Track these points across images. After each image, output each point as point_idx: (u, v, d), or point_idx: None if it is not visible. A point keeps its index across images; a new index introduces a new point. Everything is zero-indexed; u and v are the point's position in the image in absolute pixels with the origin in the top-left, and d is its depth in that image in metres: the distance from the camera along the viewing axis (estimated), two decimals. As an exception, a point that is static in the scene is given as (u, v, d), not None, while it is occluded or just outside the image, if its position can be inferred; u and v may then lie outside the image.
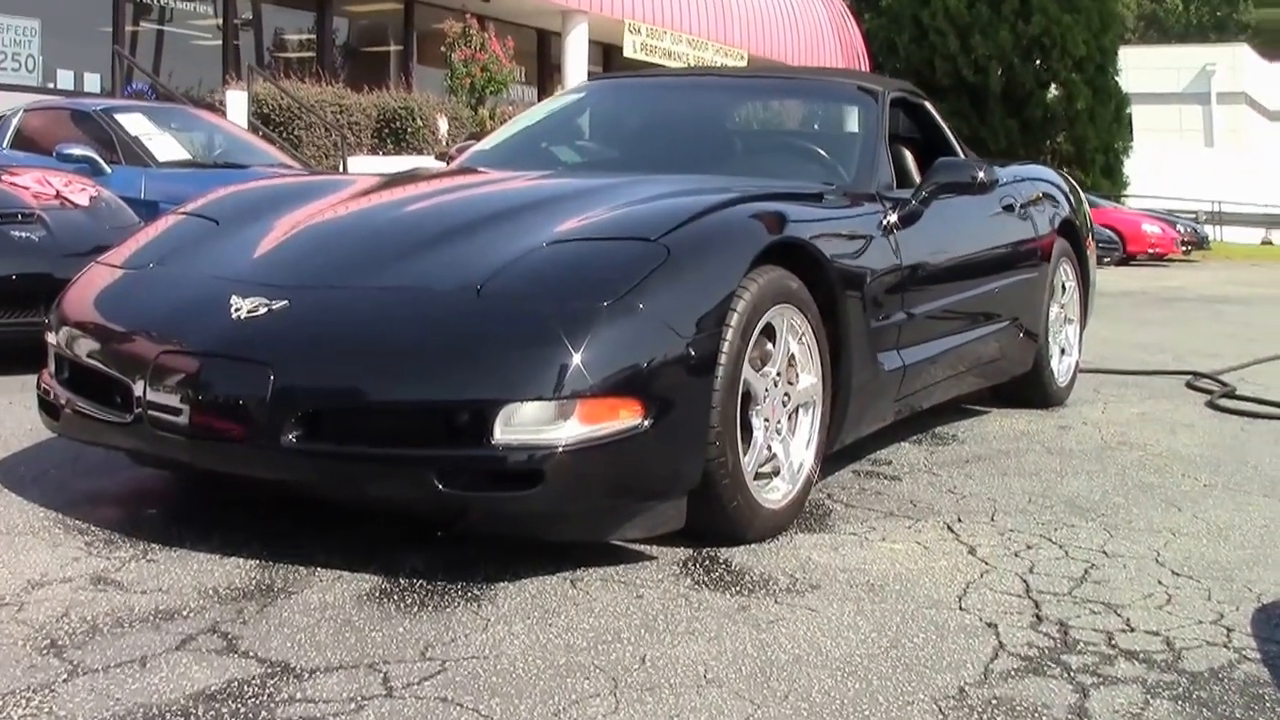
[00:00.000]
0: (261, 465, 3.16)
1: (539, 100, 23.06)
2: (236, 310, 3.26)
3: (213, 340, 3.22)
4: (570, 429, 2.99)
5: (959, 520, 3.81)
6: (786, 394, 3.62)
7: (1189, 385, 6.67)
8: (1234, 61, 39.75)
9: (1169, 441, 5.12)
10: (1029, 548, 3.56)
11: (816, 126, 5.22)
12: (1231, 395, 6.13)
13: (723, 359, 3.24)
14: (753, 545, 3.49)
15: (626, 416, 3.05)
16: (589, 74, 23.91)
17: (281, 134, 15.94)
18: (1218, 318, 11.97)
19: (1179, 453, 4.90)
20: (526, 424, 2.98)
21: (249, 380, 3.11)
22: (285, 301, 3.26)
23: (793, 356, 3.63)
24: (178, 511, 3.70)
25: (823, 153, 4.77)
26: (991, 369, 5.19)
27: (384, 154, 16.90)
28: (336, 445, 3.08)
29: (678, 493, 3.24)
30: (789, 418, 3.64)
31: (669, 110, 5.24)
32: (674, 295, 3.19)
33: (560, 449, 2.97)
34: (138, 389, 3.25)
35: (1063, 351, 5.87)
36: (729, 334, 3.25)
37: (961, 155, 5.30)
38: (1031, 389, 5.67)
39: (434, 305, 3.20)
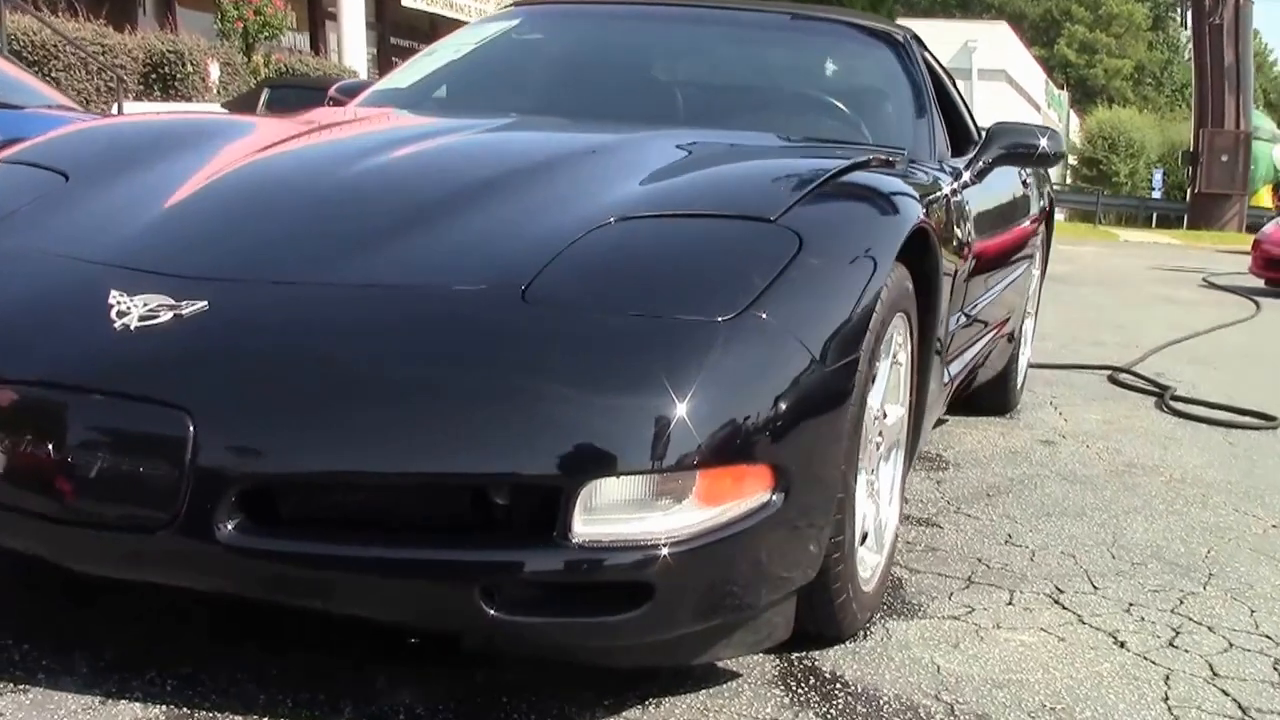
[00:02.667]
0: (180, 569, 2.00)
1: (312, 50, 21.24)
2: (121, 314, 2.07)
3: (85, 365, 2.03)
4: (685, 515, 1.96)
5: (1059, 591, 2.98)
6: (880, 433, 2.65)
7: (1111, 380, 6.07)
8: (994, 39, 40.56)
9: (1174, 461, 4.46)
10: (1176, 632, 2.77)
11: (835, 74, 4.17)
12: (1176, 397, 5.53)
13: (853, 396, 2.25)
14: (850, 645, 2.53)
15: (754, 490, 2.04)
16: (366, 23, 22.24)
17: (36, 75, 13.76)
18: (1056, 299, 11.66)
19: (1201, 478, 4.23)
20: (618, 510, 1.94)
21: (153, 433, 1.95)
22: (201, 303, 2.10)
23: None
24: (37, 625, 2.45)
25: (857, 108, 3.76)
26: (977, 375, 4.36)
27: (154, 100, 14.91)
28: (303, 541, 1.94)
29: (789, 592, 2.24)
30: (877, 466, 2.68)
31: (643, 48, 4.12)
32: (810, 306, 2.19)
33: (673, 546, 1.92)
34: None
35: (1022, 351, 5.11)
36: (862, 360, 2.26)
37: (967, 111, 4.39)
38: (998, 394, 4.90)
39: (454, 316, 2.09)
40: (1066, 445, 4.62)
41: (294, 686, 2.20)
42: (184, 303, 2.10)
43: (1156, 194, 45.10)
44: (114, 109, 12.63)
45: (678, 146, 2.95)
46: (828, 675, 2.40)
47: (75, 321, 2.11)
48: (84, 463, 1.96)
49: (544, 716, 2.16)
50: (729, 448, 1.97)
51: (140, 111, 10.70)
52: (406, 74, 4.15)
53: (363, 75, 19.15)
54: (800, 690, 2.33)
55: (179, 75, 15.92)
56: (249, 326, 2.08)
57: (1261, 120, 38.17)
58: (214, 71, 15.95)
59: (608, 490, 1.92)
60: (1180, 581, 3.11)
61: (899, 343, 2.66)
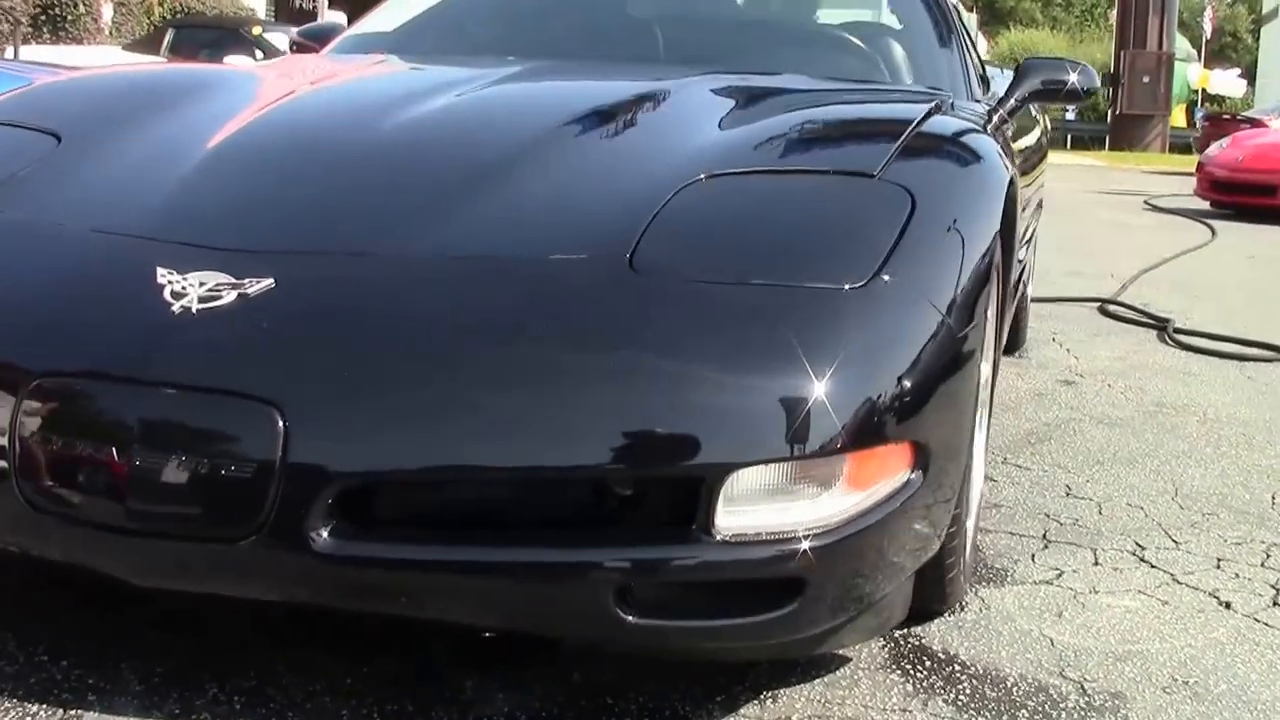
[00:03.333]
0: (266, 581, 1.78)
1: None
2: (177, 295, 1.83)
3: (147, 354, 1.78)
4: (834, 502, 1.77)
5: (1141, 547, 2.84)
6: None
7: (1102, 312, 5.96)
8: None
9: (1200, 399, 4.35)
10: (1277, 590, 2.61)
11: (866, 12, 3.90)
12: (1179, 330, 5.44)
13: (978, 361, 2.07)
14: (951, 619, 2.37)
15: (897, 469, 1.85)
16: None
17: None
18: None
19: (1235, 416, 4.12)
20: (762, 500, 1.73)
21: (237, 431, 1.71)
22: (267, 281, 1.86)
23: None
24: (69, 636, 2.20)
25: (888, 49, 3.52)
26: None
27: (43, 44, 14.20)
28: (412, 546, 1.73)
29: (913, 570, 2.06)
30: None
31: None
32: (936, 268, 1.99)
33: (823, 536, 1.74)
34: (-3, 442, 1.77)
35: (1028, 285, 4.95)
36: (981, 321, 2.08)
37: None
38: (1010, 332, 4.72)
39: (561, 291, 1.87)
40: (1088, 385, 4.49)
41: (375, 698, 1.99)
42: (247, 280, 1.85)
43: (1070, 116, 45.30)
44: (9, 54, 12.00)
45: (728, 92, 2.72)
46: (941, 655, 2.24)
47: (125, 305, 1.87)
48: (152, 466, 1.72)
49: (657, 717, 1.98)
50: (875, 426, 1.78)
51: (47, 58, 10.15)
52: (387, 16, 3.84)
53: (260, 14, 18.53)
54: (919, 675, 2.16)
55: (70, 17, 15.23)
56: (329, 306, 1.85)
57: (1177, 41, 38.39)
58: (107, 12, 15.28)
59: (750, 478, 1.72)
60: (1258, 532, 2.99)
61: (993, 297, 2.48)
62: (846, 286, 1.85)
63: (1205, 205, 12.92)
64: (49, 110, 2.50)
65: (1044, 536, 2.87)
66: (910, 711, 2.04)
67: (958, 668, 2.19)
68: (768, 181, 2.15)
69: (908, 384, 1.82)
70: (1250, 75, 32.72)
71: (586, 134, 2.36)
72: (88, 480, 1.76)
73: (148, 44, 13.12)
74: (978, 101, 3.30)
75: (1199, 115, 32.84)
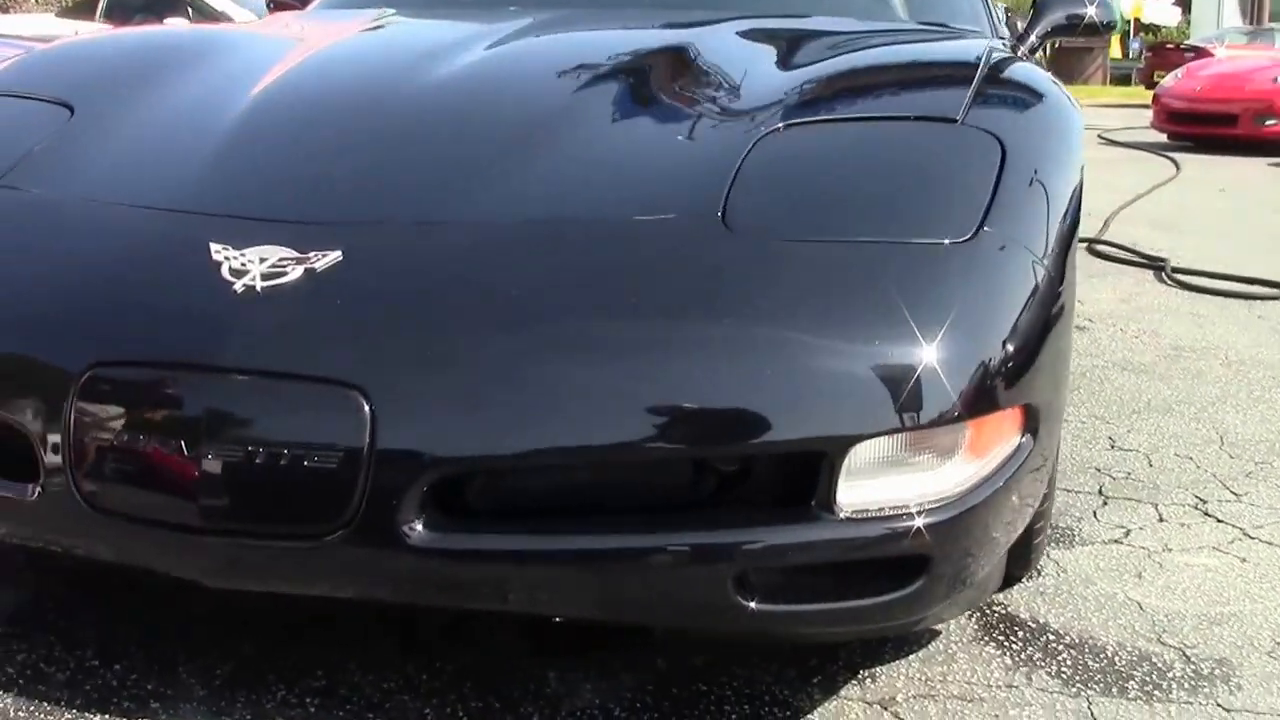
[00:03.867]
0: (353, 580, 1.65)
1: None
2: (237, 273, 1.68)
3: (213, 338, 1.63)
4: (956, 471, 1.66)
5: (1202, 500, 2.77)
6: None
7: (1091, 251, 5.90)
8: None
9: (1218, 340, 4.29)
10: (1347, 541, 2.55)
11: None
12: (1176, 270, 5.38)
13: (1072, 314, 1.97)
14: (1030, 585, 2.30)
15: (1011, 434, 1.75)
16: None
17: None
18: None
19: (1258, 358, 4.06)
20: (881, 472, 1.62)
21: (319, 419, 1.57)
22: (334, 254, 1.71)
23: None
24: (119, 638, 2.06)
25: None
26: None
27: None
28: (515, 537, 1.60)
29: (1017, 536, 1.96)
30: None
31: None
32: (1033, 219, 1.88)
33: (947, 508, 1.63)
34: (47, 437, 1.62)
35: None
36: (1072, 272, 1.97)
37: None
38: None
39: (654, 254, 1.73)
40: (1101, 330, 4.41)
41: (456, 695, 1.88)
42: (312, 254, 1.71)
43: (1008, 51, 45.22)
44: None
45: (765, 37, 2.57)
46: (1032, 625, 2.15)
47: (181, 285, 1.72)
48: (225, 459, 1.58)
49: (756, 703, 1.88)
50: (991, 389, 1.67)
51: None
52: None
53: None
54: (1014, 646, 2.07)
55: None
56: (405, 280, 1.70)
57: (1110, -29, 38.35)
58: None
59: (869, 450, 1.61)
60: (1312, 480, 2.92)
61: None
62: (952, 242, 1.74)
63: (1162, 138, 12.91)
64: (54, 79, 2.31)
65: (1100, 492, 2.79)
66: (1016, 686, 1.95)
67: (1051, 637, 2.11)
68: (848, 130, 2.03)
69: (1019, 344, 1.71)
70: (1185, 2, 32.64)
71: (635, 87, 2.22)
72: (153, 477, 1.62)
73: (81, 10, 12.68)
74: (1003, 39, 3.18)
75: (1134, 45, 32.75)
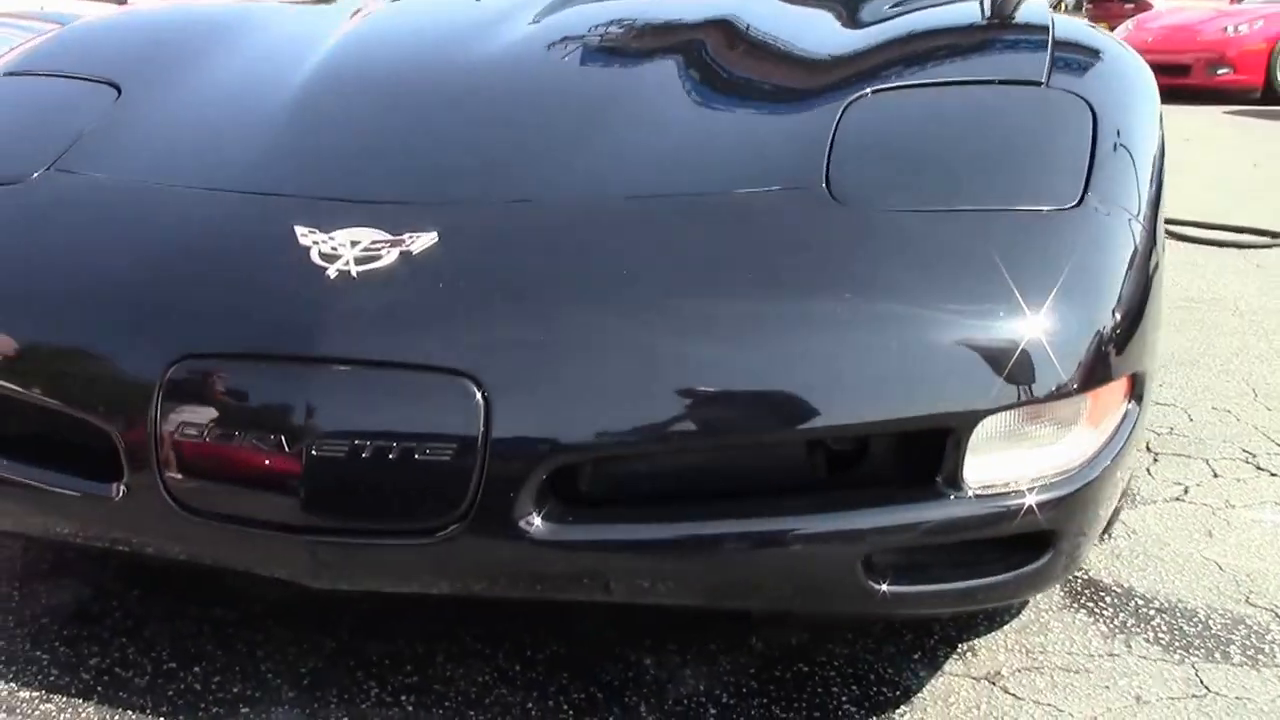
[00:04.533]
0: (468, 575, 1.58)
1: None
2: (328, 257, 1.60)
3: (311, 327, 1.55)
4: (1078, 444, 1.62)
5: (1251, 454, 2.76)
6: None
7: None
8: None
9: (1226, 291, 4.30)
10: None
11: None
12: (1169, 220, 5.35)
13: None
14: (1103, 547, 2.28)
15: (1120, 402, 1.71)
16: None
17: None
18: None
19: (1270, 307, 4.07)
20: (1004, 447, 1.57)
21: (428, 409, 1.50)
22: (429, 235, 1.63)
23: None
24: (190, 639, 1.98)
25: None
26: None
27: None
28: (640, 525, 1.55)
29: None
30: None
31: None
32: (1129, 183, 1.83)
33: (1070, 482, 1.59)
34: (132, 434, 1.54)
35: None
36: (1163, 235, 1.93)
37: None
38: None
39: (763, 228, 1.67)
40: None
41: (555, 686, 1.82)
42: (405, 236, 1.63)
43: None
44: None
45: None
46: (1116, 589, 2.13)
47: (269, 270, 1.63)
48: (329, 455, 1.50)
49: (864, 683, 1.83)
50: (1106, 358, 1.62)
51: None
52: None
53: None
54: (1106, 613, 2.05)
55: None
56: (507, 260, 1.63)
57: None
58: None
59: (993, 425, 1.56)
60: (1355, 433, 2.92)
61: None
62: (1059, 209, 1.69)
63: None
64: (96, 58, 2.19)
65: (1148, 449, 2.77)
66: (1117, 655, 1.92)
67: (1140, 602, 2.08)
68: (934, 95, 1.96)
69: (1126, 310, 1.67)
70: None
71: (697, 55, 2.13)
72: (250, 474, 1.54)
73: None
74: None
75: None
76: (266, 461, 1.52)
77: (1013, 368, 1.53)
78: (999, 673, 1.87)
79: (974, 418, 1.53)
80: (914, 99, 1.93)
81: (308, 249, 1.62)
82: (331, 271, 1.58)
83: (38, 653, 1.87)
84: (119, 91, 2.04)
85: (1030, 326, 1.54)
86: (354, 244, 1.62)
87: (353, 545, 1.55)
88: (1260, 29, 12.47)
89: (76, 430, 1.64)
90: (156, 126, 1.95)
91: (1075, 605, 2.06)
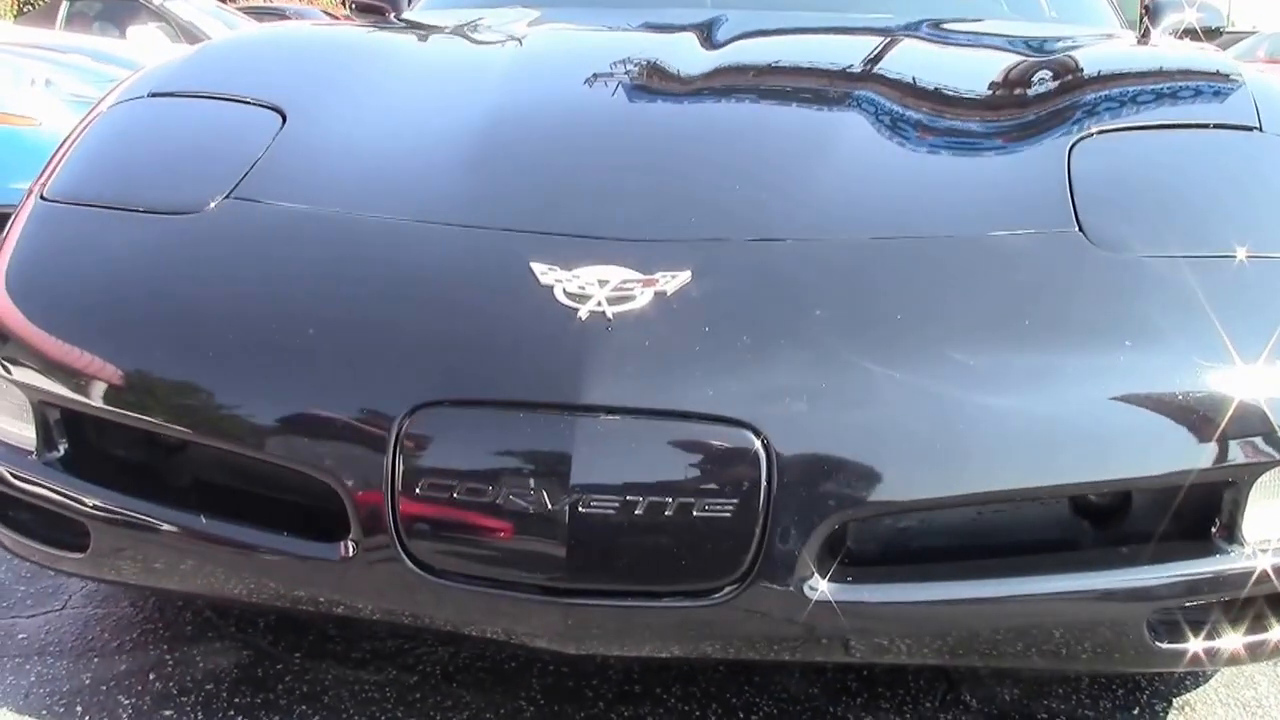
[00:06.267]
0: (743, 639, 1.48)
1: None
2: (576, 297, 1.49)
3: (567, 373, 1.42)
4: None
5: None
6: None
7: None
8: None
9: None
10: None
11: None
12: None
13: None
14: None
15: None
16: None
17: None
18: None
19: None
20: (1270, 501, 1.50)
21: (703, 463, 1.39)
22: (683, 274, 1.51)
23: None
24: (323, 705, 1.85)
25: None
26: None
27: None
28: (924, 585, 1.46)
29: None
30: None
31: None
32: None
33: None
34: (363, 489, 1.42)
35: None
36: None
37: None
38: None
39: (1025, 274, 1.59)
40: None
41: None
42: (658, 275, 1.52)
43: None
44: None
45: (975, 41, 2.47)
46: None
47: (512, 310, 1.51)
48: (595, 511, 1.39)
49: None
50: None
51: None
52: None
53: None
54: (1308, 664, 1.98)
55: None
56: (768, 303, 1.52)
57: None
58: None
59: (1271, 477, 1.50)
60: None
61: None
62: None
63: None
64: (248, 79, 2.04)
65: None
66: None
67: None
68: (1156, 138, 1.89)
69: None
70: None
71: (892, 89, 2.04)
72: (502, 533, 1.42)
73: (41, 18, 12.04)
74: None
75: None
76: (524, 520, 1.41)
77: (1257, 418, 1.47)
78: (1226, 730, 1.79)
79: (1257, 470, 1.47)
80: (1140, 141, 1.87)
81: (550, 287, 1.50)
82: (583, 312, 1.47)
83: (215, 722, 1.73)
84: (283, 117, 1.90)
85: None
86: (602, 283, 1.51)
87: (618, 609, 1.44)
88: None
89: (295, 485, 1.51)
90: (336, 155, 1.82)
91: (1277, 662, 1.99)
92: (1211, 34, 3.36)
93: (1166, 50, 2.52)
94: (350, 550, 1.47)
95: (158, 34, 8.30)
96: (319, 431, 1.48)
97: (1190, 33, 3.36)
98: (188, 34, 9.96)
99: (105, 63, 6.00)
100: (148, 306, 1.62)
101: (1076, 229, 1.62)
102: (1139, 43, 2.82)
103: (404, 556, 1.45)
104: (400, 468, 1.43)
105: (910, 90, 2.06)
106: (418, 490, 1.43)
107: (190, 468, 1.67)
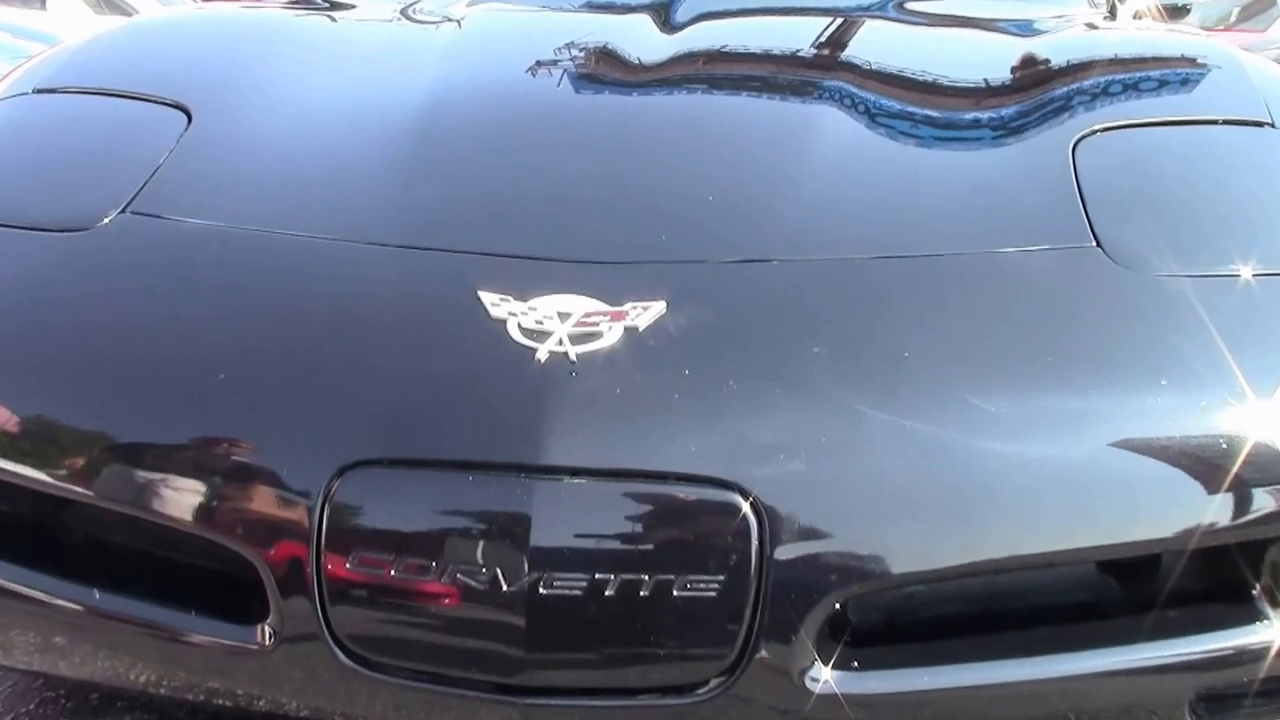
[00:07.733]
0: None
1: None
2: (531, 334, 1.27)
3: (524, 429, 1.20)
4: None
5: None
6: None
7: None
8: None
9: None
10: None
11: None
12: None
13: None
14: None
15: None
16: None
17: None
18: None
19: None
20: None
21: (683, 532, 1.18)
22: (658, 306, 1.29)
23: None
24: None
25: None
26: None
27: None
28: (935, 670, 1.26)
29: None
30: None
31: None
32: None
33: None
34: (284, 564, 1.20)
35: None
36: None
37: None
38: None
39: (1041, 296, 1.38)
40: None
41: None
42: (627, 306, 1.30)
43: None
44: None
45: (935, 21, 2.26)
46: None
47: (455, 349, 1.29)
48: (559, 592, 1.18)
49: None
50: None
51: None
52: None
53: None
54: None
55: None
56: (757, 339, 1.31)
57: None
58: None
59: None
60: None
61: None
62: None
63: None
64: (148, 73, 1.80)
65: None
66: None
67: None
68: (1162, 136, 1.70)
69: None
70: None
71: (864, 85, 1.83)
72: (449, 620, 1.21)
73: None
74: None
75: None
76: (473, 602, 1.19)
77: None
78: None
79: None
80: (1146, 139, 1.67)
81: (503, 321, 1.28)
82: (542, 353, 1.25)
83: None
84: (189, 116, 1.66)
85: None
86: (564, 316, 1.28)
87: (585, 709, 1.22)
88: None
89: (206, 550, 1.29)
90: (250, 160, 1.58)
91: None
92: (1178, 12, 3.19)
93: (1155, 34, 2.34)
94: (269, 636, 1.25)
95: (80, 5, 7.93)
96: (230, 495, 1.26)
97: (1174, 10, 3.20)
98: (112, 5, 9.57)
99: (22, 38, 5.67)
100: (25, 343, 1.38)
101: (1094, 244, 1.42)
102: (1106, 19, 2.63)
103: (332, 645, 1.23)
104: (326, 540, 1.21)
105: (890, 79, 1.86)
106: (348, 566, 1.21)
107: (83, 525, 1.44)
